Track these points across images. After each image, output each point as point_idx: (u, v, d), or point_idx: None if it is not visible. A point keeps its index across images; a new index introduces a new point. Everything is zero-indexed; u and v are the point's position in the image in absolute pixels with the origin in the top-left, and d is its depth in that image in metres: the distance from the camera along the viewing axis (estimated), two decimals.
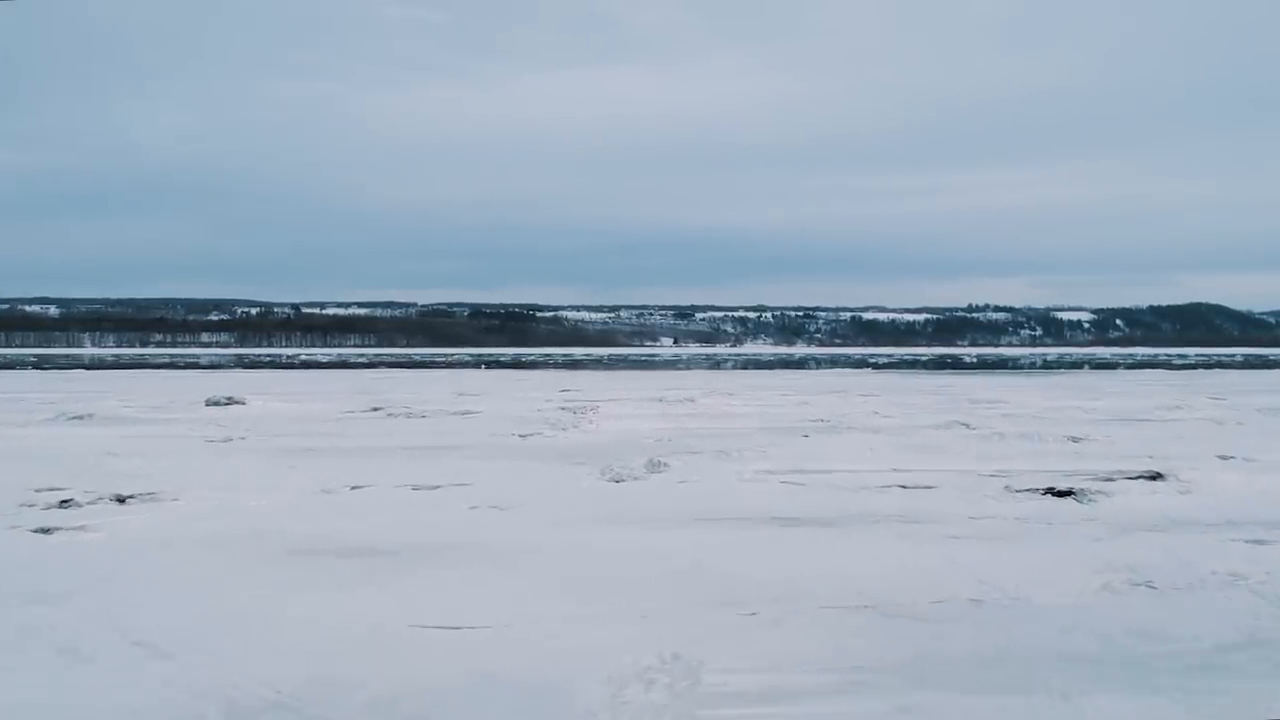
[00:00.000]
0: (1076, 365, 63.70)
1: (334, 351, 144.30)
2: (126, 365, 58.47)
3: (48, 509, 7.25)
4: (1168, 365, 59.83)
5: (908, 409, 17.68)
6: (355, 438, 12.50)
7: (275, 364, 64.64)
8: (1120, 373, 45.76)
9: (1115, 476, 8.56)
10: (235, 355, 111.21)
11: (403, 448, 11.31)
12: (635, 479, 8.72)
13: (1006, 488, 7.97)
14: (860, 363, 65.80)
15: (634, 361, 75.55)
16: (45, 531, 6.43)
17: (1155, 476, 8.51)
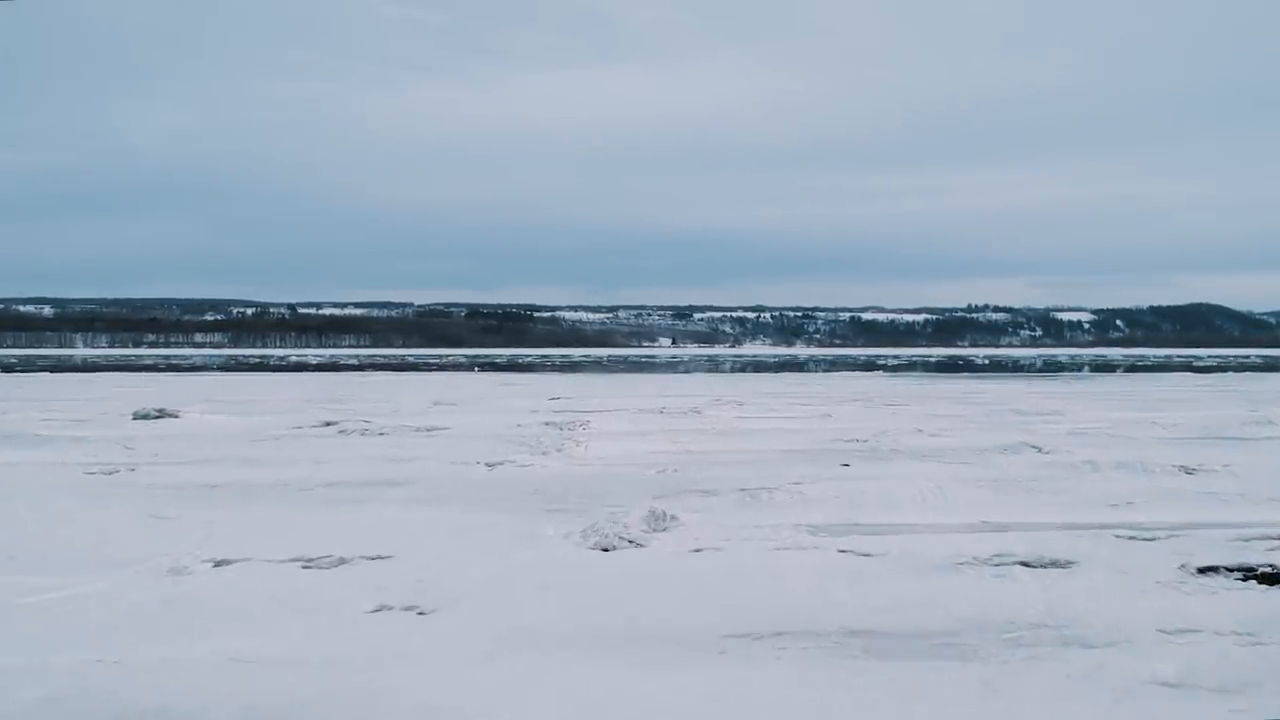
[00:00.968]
0: (1091, 367, 61.13)
1: (326, 353, 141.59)
2: (97, 368, 55.80)
3: None
4: (1188, 367, 57.34)
5: (952, 423, 15.12)
6: (278, 467, 9.91)
7: (263, 366, 62.13)
8: (1145, 376, 43.25)
9: None
10: (225, 356, 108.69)
11: (330, 484, 8.73)
12: (630, 543, 6.14)
13: (1182, 567, 5.40)
14: (868, 364, 63.18)
15: (632, 363, 72.94)
16: None
17: None
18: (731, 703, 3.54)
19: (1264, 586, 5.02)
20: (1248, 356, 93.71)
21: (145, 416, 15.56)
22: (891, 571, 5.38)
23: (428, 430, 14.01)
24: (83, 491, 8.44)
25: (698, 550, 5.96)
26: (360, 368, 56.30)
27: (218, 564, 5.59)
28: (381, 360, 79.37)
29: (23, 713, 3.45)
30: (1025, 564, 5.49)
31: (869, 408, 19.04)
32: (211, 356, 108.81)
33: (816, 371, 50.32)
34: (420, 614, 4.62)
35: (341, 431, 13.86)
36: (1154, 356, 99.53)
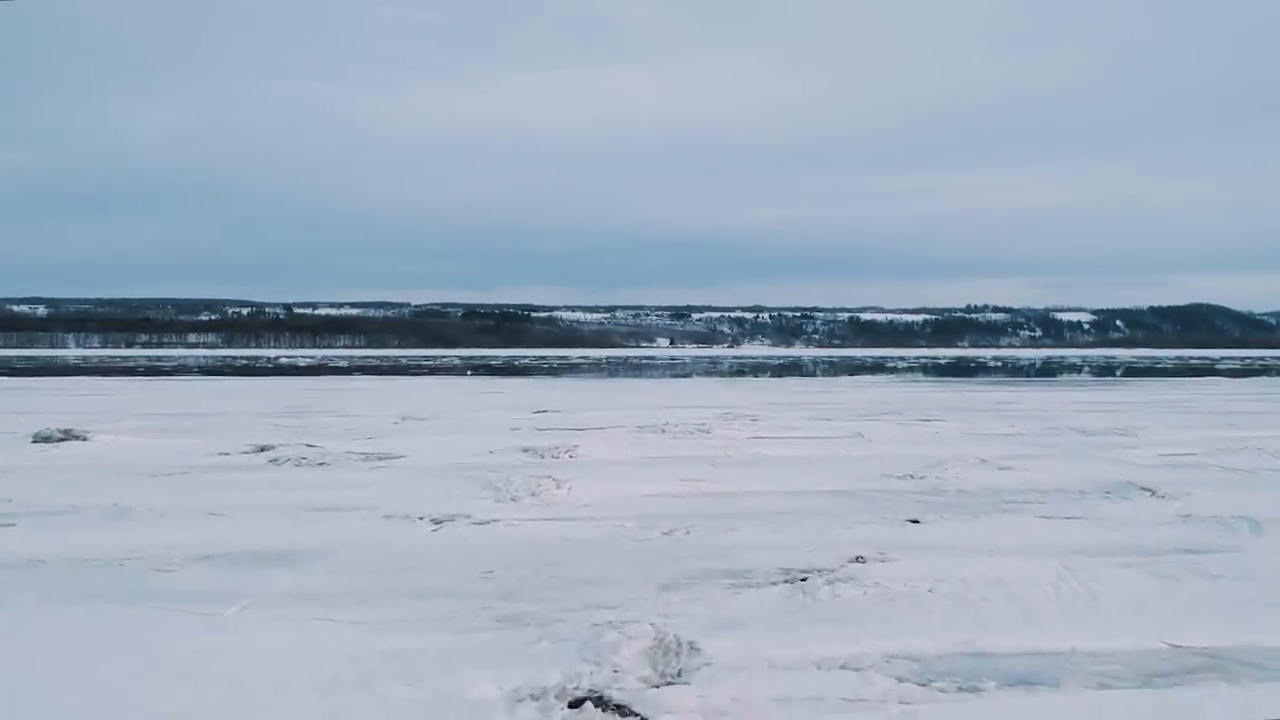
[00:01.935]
0: (1103, 369, 58.59)
1: (319, 353, 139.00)
2: (58, 371, 53.13)
3: None
4: (1212, 371, 54.90)
5: (1010, 446, 12.58)
6: (146, 525, 7.34)
7: (247, 369, 59.55)
8: (1177, 382, 40.73)
9: None
10: (214, 357, 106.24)
11: (203, 557, 6.18)
12: (623, 716, 3.61)
13: None
14: (876, 367, 60.64)
15: (630, 365, 70.35)
16: None
17: None
18: None
19: None
20: (1262, 358, 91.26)
21: (47, 439, 13.02)
22: None
23: (379, 459, 11.48)
24: None
25: None
26: (346, 371, 53.75)
27: None
28: (372, 362, 76.92)
29: None
30: None
31: (902, 424, 16.51)
32: (201, 357, 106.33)
33: (823, 376, 47.73)
34: None
35: (274, 461, 11.32)
36: (1169, 359, 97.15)
